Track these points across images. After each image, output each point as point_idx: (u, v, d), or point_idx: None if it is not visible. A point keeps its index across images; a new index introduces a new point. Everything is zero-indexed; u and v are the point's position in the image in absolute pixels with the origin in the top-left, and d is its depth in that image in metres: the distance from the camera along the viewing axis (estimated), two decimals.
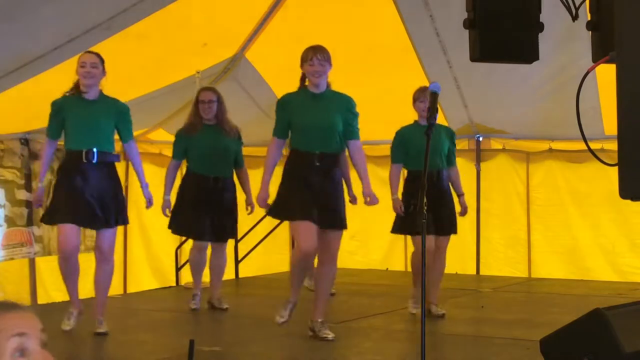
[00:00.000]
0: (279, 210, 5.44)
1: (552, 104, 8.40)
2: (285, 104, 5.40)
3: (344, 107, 5.37)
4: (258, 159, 8.00)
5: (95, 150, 5.48)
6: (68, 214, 5.47)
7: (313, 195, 5.23)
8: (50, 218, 5.69)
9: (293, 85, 7.98)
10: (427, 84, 4.19)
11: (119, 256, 9.75)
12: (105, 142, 5.58)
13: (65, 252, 5.61)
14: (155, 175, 9.59)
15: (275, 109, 5.46)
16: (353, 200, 6.06)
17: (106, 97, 5.62)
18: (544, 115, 8.75)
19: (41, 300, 8.78)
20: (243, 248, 9.00)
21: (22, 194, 8.72)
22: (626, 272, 8.91)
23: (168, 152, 10.25)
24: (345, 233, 5.44)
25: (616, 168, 2.83)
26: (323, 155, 5.27)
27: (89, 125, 5.55)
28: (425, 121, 6.14)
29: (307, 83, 5.40)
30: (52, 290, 9.11)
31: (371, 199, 5.32)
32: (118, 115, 5.63)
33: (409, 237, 8.48)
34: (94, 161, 5.48)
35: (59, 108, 5.61)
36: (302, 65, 5.35)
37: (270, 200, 5.43)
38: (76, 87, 5.55)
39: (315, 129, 5.29)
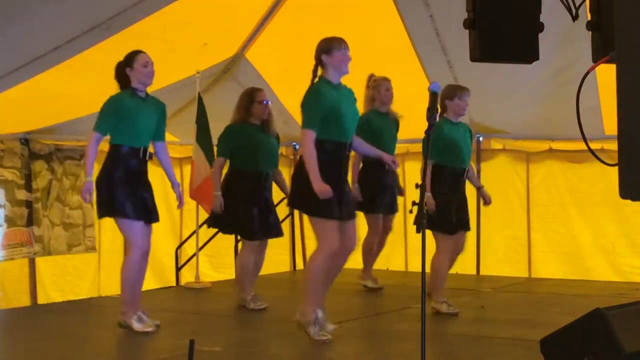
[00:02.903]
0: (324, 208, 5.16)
1: (552, 104, 8.39)
2: (322, 95, 5.18)
3: (353, 98, 5.40)
4: None
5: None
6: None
7: (342, 189, 5.23)
8: None
9: (293, 85, 7.96)
10: (427, 84, 4.17)
11: (118, 256, 9.75)
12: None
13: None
14: (155, 176, 9.61)
15: (310, 100, 5.19)
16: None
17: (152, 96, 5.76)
18: (544, 115, 8.75)
19: (41, 300, 8.78)
20: None
21: (22, 194, 8.73)
22: (626, 272, 8.91)
23: (169, 151, 10.28)
24: None
25: (616, 168, 2.83)
26: (350, 145, 5.29)
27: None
28: (457, 119, 6.35)
29: (320, 74, 5.27)
30: (52, 290, 9.12)
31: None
32: (162, 114, 5.79)
33: (408, 238, 8.48)
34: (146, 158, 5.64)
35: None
36: (328, 53, 5.20)
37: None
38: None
39: (348, 118, 5.23)
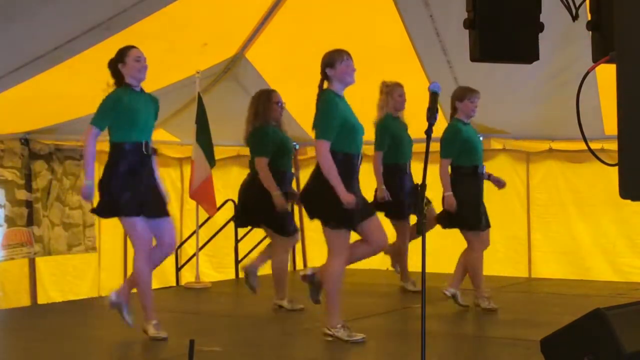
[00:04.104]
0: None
1: (552, 104, 8.39)
2: (337, 104, 5.24)
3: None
4: None
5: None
6: None
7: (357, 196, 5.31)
8: None
9: (293, 85, 7.98)
10: (427, 84, 4.18)
11: (119, 256, 9.76)
12: None
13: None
14: None
15: (326, 109, 5.23)
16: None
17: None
18: (544, 115, 8.75)
19: (41, 300, 8.78)
20: (243, 248, 9.00)
21: (22, 194, 8.73)
22: (626, 272, 8.90)
23: (168, 151, 10.30)
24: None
25: (616, 168, 2.83)
26: (360, 157, 5.36)
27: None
28: (467, 120, 6.54)
29: (325, 86, 5.34)
30: (52, 290, 9.12)
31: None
32: (156, 110, 5.67)
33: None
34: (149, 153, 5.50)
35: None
36: (332, 67, 5.28)
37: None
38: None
39: (359, 130, 5.32)
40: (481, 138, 9.49)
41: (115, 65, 5.48)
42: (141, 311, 5.47)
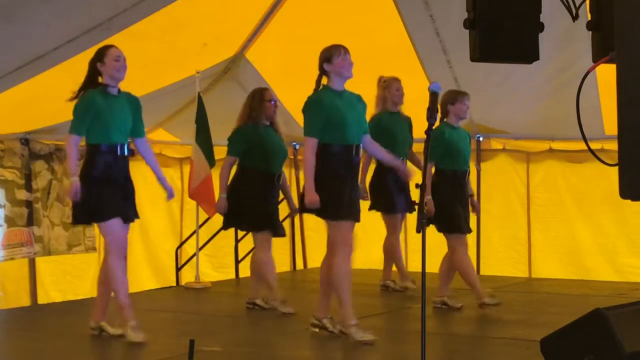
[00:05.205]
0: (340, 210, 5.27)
1: (552, 104, 8.39)
2: (320, 102, 5.30)
3: (361, 103, 5.52)
4: None
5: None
6: None
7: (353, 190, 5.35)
8: None
9: (293, 85, 7.97)
10: (427, 84, 4.18)
11: None
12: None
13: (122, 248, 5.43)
14: (152, 175, 9.59)
15: (309, 108, 5.31)
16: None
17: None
18: (544, 115, 8.75)
19: (41, 300, 8.78)
20: (243, 248, 9.00)
21: (22, 194, 8.72)
22: (626, 272, 8.90)
23: (168, 152, 10.30)
24: None
25: (616, 168, 2.83)
26: (358, 148, 5.39)
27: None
28: (458, 123, 6.53)
29: (324, 82, 5.40)
30: (52, 290, 9.11)
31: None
32: (136, 109, 5.63)
33: (408, 237, 8.48)
34: (126, 154, 5.48)
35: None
36: (329, 62, 5.33)
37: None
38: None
39: (351, 123, 5.33)
40: (481, 138, 9.57)
41: (94, 64, 5.46)
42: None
